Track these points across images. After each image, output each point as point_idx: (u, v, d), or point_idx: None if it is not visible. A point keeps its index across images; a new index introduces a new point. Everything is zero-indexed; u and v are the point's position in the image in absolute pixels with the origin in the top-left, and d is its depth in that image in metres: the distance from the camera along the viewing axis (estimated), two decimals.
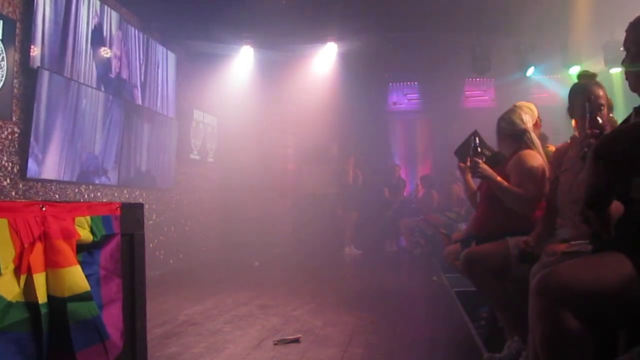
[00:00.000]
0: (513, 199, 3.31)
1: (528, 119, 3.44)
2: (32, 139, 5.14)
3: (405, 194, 11.14)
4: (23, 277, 1.69)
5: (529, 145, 3.38)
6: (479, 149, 3.45)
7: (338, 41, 8.62)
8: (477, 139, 3.51)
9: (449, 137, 10.37)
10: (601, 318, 1.86)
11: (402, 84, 11.87)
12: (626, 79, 2.16)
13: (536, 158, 3.32)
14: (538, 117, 3.55)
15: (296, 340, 3.80)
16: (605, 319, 1.89)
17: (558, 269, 1.86)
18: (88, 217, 2.00)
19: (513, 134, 3.44)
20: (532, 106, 3.59)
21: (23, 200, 2.69)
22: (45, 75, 5.30)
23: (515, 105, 3.55)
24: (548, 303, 1.82)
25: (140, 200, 7.16)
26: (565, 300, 1.80)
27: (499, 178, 3.33)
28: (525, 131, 3.40)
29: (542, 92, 10.27)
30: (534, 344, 1.91)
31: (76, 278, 1.84)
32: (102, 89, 6.31)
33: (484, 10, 7.41)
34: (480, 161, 3.39)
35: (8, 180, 4.97)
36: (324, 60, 9.27)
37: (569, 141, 2.96)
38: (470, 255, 3.32)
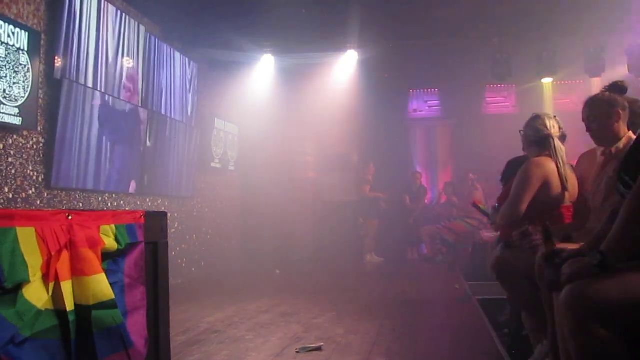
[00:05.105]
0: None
1: (553, 124, 3.41)
2: (56, 149, 5.22)
3: (426, 201, 11.07)
4: (51, 285, 1.71)
5: (551, 151, 3.34)
6: None
7: (358, 49, 8.63)
8: None
9: (470, 143, 10.41)
10: (632, 329, 1.85)
11: (422, 90, 11.83)
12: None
13: (540, 166, 3.28)
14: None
15: (318, 349, 3.79)
16: (636, 330, 1.87)
17: (583, 284, 1.86)
18: (113, 226, 2.02)
19: (537, 140, 3.40)
20: (552, 116, 3.58)
21: (49, 209, 2.72)
22: (69, 85, 5.38)
23: (536, 114, 3.52)
24: (577, 319, 1.82)
25: (162, 208, 7.22)
26: (593, 315, 1.79)
27: None
28: (549, 137, 3.36)
29: (564, 97, 10.15)
30: (568, 356, 1.90)
31: (101, 286, 1.86)
32: (125, 99, 6.38)
33: (505, 17, 7.38)
34: None
35: (33, 189, 5.04)
36: (344, 68, 9.26)
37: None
38: (502, 259, 3.29)
